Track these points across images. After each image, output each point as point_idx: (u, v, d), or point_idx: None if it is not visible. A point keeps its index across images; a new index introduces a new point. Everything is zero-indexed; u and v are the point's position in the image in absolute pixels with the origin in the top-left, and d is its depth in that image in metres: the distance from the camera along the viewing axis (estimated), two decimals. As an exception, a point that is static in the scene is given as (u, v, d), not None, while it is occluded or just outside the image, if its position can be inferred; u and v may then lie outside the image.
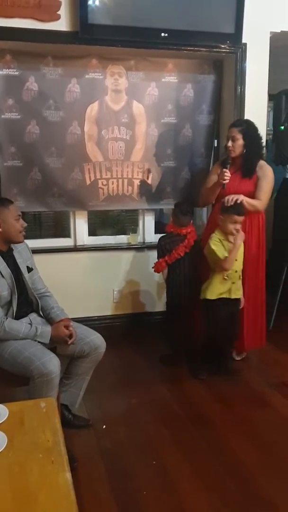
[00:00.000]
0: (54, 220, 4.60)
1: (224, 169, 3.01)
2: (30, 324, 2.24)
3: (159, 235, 3.79)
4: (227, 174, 3.00)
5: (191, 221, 3.23)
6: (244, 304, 3.16)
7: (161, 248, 3.20)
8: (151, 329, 3.66)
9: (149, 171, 3.58)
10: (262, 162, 3.10)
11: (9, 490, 1.21)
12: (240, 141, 3.02)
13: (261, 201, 3.07)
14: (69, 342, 2.25)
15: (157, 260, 3.21)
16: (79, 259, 3.60)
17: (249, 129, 3.05)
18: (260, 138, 3.13)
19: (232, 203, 2.92)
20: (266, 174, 3.08)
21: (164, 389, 2.95)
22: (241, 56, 3.39)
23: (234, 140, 3.02)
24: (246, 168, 3.06)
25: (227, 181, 3.00)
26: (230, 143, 3.04)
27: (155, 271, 3.24)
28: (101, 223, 4.68)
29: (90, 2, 2.94)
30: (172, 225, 3.19)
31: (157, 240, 3.65)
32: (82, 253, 3.61)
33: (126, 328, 3.66)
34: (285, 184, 4.26)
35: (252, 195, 3.07)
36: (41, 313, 2.40)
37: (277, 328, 3.49)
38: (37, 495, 1.19)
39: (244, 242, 3.11)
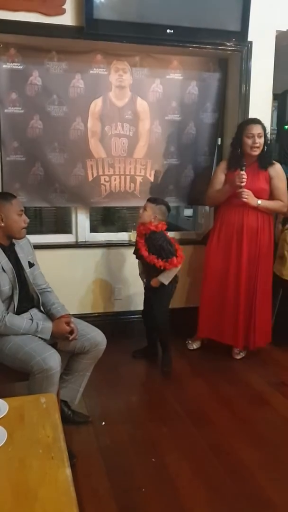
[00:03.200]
0: (55, 216, 4.60)
1: (242, 172, 3.03)
2: (31, 319, 2.24)
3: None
4: (245, 176, 3.03)
5: None
6: (257, 302, 3.22)
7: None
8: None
9: (158, 172, 3.58)
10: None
11: (9, 486, 1.20)
12: (263, 138, 3.10)
13: (284, 203, 3.18)
14: (70, 338, 2.25)
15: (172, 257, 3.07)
16: (80, 255, 3.59)
17: (264, 124, 3.14)
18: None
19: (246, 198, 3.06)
20: (279, 173, 3.16)
21: (164, 387, 2.95)
22: (246, 54, 3.38)
23: (260, 136, 3.09)
24: (265, 161, 3.14)
25: (244, 183, 3.02)
26: (257, 140, 3.07)
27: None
28: (102, 220, 4.68)
29: (95, -3, 2.93)
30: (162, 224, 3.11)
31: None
32: (84, 249, 3.60)
33: (126, 325, 3.65)
34: None
35: (266, 192, 3.12)
36: (42, 308, 2.39)
37: (278, 327, 3.49)
38: (37, 491, 1.18)
39: (257, 239, 3.14)
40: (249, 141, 3.08)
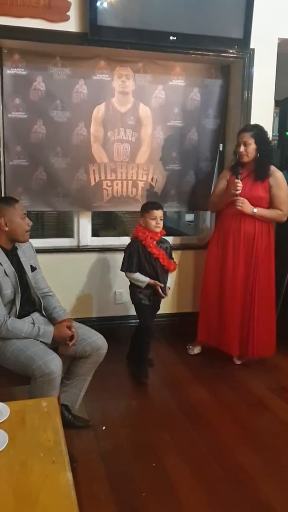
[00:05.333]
0: (57, 220, 4.61)
1: (236, 180, 3.03)
2: (33, 323, 2.25)
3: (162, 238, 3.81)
4: (240, 184, 3.02)
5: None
6: (255, 310, 3.20)
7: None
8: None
9: (156, 179, 3.59)
10: (272, 167, 3.13)
11: (10, 489, 1.21)
12: (253, 146, 3.05)
13: (283, 213, 3.14)
14: (70, 344, 2.25)
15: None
16: (82, 259, 3.60)
17: (260, 133, 3.08)
18: (271, 142, 3.16)
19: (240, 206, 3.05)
20: (279, 182, 3.12)
21: (165, 391, 2.95)
22: (248, 61, 3.40)
23: (246, 145, 3.05)
24: (260, 172, 3.10)
25: (240, 191, 3.02)
26: (242, 148, 3.05)
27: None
28: (104, 224, 4.70)
29: (99, 4, 2.96)
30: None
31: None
32: (85, 253, 3.61)
33: (127, 330, 3.65)
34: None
35: (264, 200, 3.10)
36: (43, 312, 2.40)
37: (278, 333, 3.49)
38: (38, 494, 1.19)
39: (253, 246, 3.14)
40: (238, 149, 3.10)
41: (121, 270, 3.09)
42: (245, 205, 3.06)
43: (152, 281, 3.03)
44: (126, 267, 3.04)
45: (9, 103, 3.20)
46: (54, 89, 3.25)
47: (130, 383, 3.04)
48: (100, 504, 1.95)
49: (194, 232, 4.12)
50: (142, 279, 3.04)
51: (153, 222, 3.00)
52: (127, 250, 3.05)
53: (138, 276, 3.04)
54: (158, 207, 3.04)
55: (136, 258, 3.02)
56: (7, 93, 3.18)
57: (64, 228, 4.29)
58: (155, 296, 3.10)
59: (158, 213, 3.01)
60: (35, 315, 2.36)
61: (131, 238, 3.14)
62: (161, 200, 3.63)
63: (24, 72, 3.18)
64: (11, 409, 1.53)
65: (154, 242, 3.02)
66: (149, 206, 3.05)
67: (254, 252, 3.15)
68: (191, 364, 3.33)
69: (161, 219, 3.02)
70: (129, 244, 3.09)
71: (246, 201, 3.06)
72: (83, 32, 3.04)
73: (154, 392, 2.95)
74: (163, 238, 3.13)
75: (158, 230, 3.02)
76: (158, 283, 3.04)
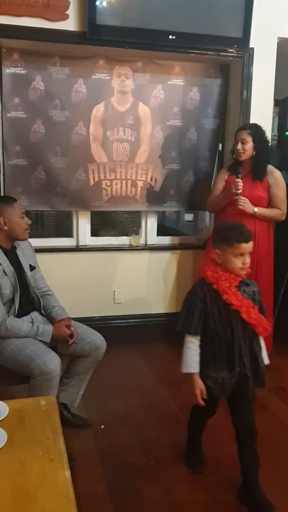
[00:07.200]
0: (56, 220, 4.62)
1: (237, 180, 3.02)
2: (32, 322, 2.25)
3: (161, 237, 3.81)
4: (240, 184, 3.01)
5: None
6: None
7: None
8: (151, 331, 3.67)
9: (159, 177, 3.59)
10: (270, 167, 3.13)
11: (9, 487, 1.21)
12: (250, 144, 3.04)
13: (282, 212, 3.15)
14: (70, 342, 2.26)
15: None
16: (81, 259, 3.60)
17: (257, 131, 3.07)
18: (268, 141, 3.15)
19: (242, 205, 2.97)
20: (278, 181, 3.12)
21: (164, 391, 2.95)
22: (248, 60, 3.40)
23: (244, 142, 3.03)
24: (257, 171, 3.09)
25: (241, 190, 3.02)
26: (240, 146, 3.04)
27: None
28: (103, 224, 4.70)
29: (98, 3, 2.96)
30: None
31: (159, 242, 3.65)
32: (84, 253, 3.61)
33: (126, 329, 3.66)
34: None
35: (264, 200, 3.10)
36: (42, 311, 2.40)
37: (277, 334, 3.49)
38: (36, 492, 1.19)
39: (255, 245, 3.12)
40: (235, 147, 3.08)
41: (177, 330, 1.94)
42: (246, 204, 3.05)
43: (199, 382, 1.91)
44: (182, 326, 1.91)
45: (8, 102, 3.20)
46: (53, 88, 3.25)
47: (128, 382, 3.04)
48: (98, 503, 1.95)
49: (193, 232, 4.12)
50: (190, 361, 1.91)
51: (238, 262, 1.87)
52: (187, 299, 1.94)
53: (188, 353, 1.91)
54: (248, 237, 1.88)
55: (200, 311, 1.89)
56: (6, 92, 3.18)
57: (63, 227, 4.30)
58: (238, 383, 1.95)
59: (249, 247, 1.88)
60: (34, 314, 2.36)
61: (196, 279, 2.01)
62: (160, 200, 3.65)
63: (23, 72, 3.18)
64: (10, 407, 1.53)
65: (234, 287, 1.90)
66: (235, 236, 1.86)
67: (256, 252, 3.15)
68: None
69: (249, 254, 1.90)
70: (192, 289, 1.95)
71: (247, 200, 3.05)
72: (82, 31, 3.04)
73: (152, 392, 2.95)
74: (246, 279, 1.96)
75: (244, 272, 1.91)
76: (202, 390, 1.92)
